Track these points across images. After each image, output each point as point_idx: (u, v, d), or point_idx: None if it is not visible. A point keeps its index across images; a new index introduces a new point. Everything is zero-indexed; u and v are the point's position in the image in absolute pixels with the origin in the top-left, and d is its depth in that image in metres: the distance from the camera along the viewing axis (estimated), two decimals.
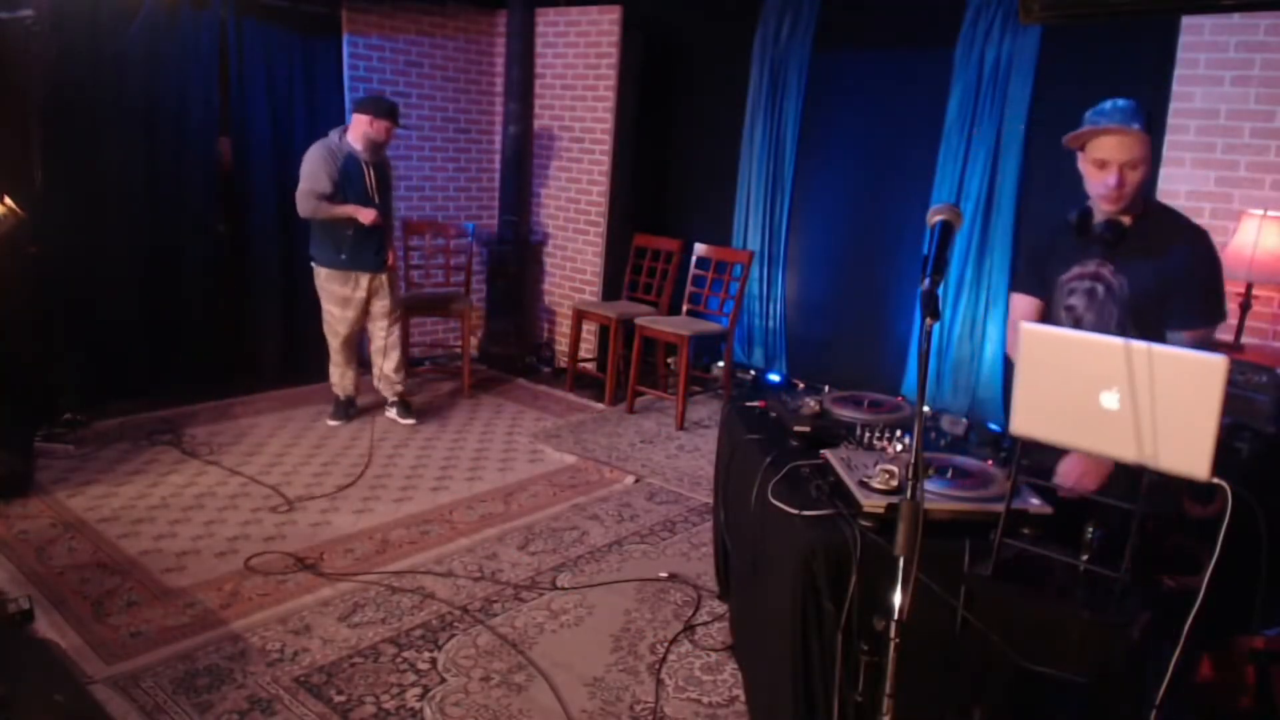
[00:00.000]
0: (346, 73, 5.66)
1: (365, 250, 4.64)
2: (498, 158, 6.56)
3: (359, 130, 4.53)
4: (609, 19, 5.86)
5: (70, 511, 3.69)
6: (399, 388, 5.01)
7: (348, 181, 4.52)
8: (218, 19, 5.05)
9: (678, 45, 6.12)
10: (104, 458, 4.27)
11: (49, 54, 4.35)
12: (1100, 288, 2.35)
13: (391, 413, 5.04)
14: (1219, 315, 2.32)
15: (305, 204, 4.50)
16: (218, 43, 5.08)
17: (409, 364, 5.11)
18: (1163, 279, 2.25)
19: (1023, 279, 2.58)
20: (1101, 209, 2.31)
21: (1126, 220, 2.31)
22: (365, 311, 4.81)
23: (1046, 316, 2.48)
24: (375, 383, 5.05)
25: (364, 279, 4.70)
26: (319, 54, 5.55)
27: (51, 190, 4.41)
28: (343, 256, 4.60)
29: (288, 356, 5.68)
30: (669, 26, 6.09)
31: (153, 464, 4.23)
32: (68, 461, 4.18)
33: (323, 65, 5.58)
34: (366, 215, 4.50)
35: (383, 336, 4.87)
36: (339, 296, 4.70)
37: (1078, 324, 2.37)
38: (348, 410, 4.99)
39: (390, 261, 4.78)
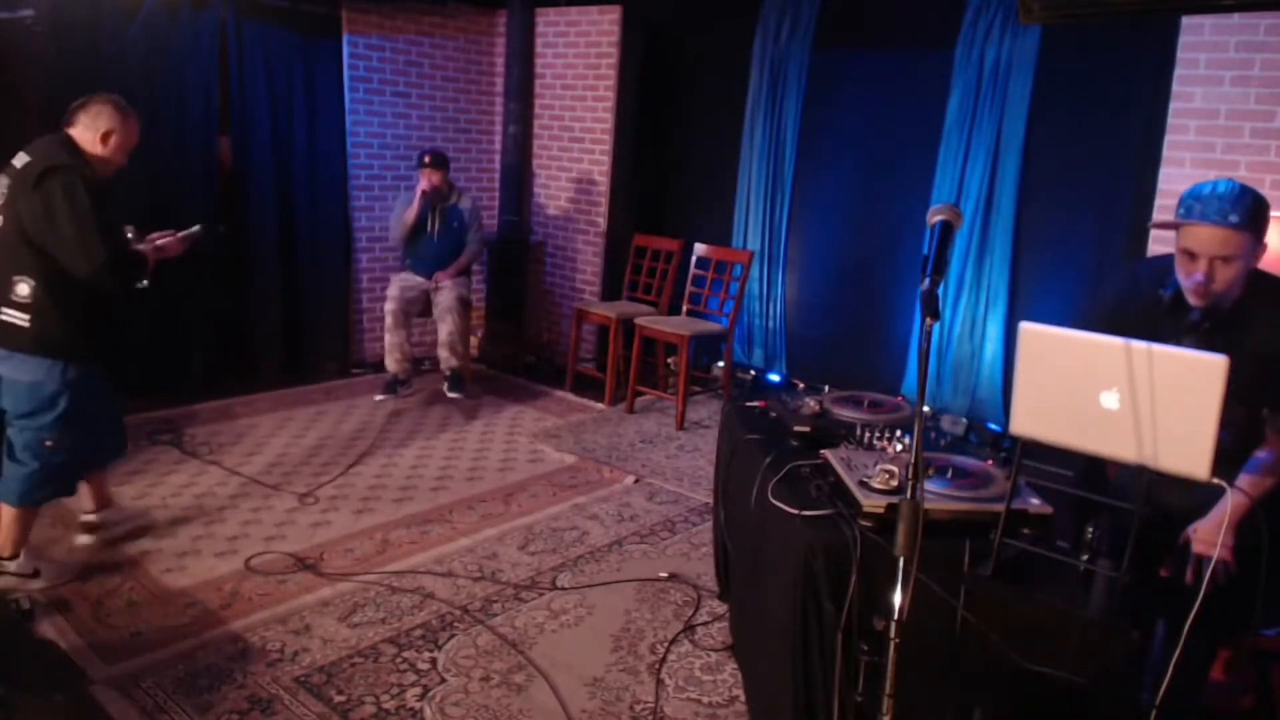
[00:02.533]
0: (346, 73, 5.66)
1: (420, 265, 5.37)
2: (498, 158, 6.56)
3: None
4: (609, 19, 5.86)
5: (71, 512, 3.69)
6: (454, 361, 5.28)
7: (421, 218, 5.34)
8: (218, 19, 5.05)
9: (678, 45, 6.12)
10: None
11: (49, 54, 4.35)
12: None
13: (444, 385, 5.36)
14: None
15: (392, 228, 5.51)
16: (218, 43, 5.08)
17: (464, 348, 5.43)
18: (1259, 360, 1.97)
19: (1092, 328, 2.26)
20: (1190, 300, 2.05)
21: (1225, 305, 2.04)
22: (419, 296, 5.35)
23: None
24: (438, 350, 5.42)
25: (418, 279, 5.37)
26: (319, 54, 5.55)
27: None
28: (407, 260, 5.49)
29: (288, 356, 5.69)
30: (669, 26, 6.09)
31: (153, 464, 4.22)
32: None
33: (323, 65, 5.58)
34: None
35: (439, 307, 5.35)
36: (399, 273, 5.47)
37: None
38: (393, 387, 5.30)
39: (434, 279, 5.31)
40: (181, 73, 4.94)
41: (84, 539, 3.42)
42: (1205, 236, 1.95)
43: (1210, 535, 1.95)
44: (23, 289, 2.87)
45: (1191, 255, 1.99)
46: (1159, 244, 3.89)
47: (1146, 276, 2.19)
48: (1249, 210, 1.94)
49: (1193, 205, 1.99)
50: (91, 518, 3.45)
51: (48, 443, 2.99)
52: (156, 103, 4.88)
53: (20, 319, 2.89)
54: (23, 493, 3.02)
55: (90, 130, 2.95)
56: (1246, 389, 1.86)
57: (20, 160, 2.90)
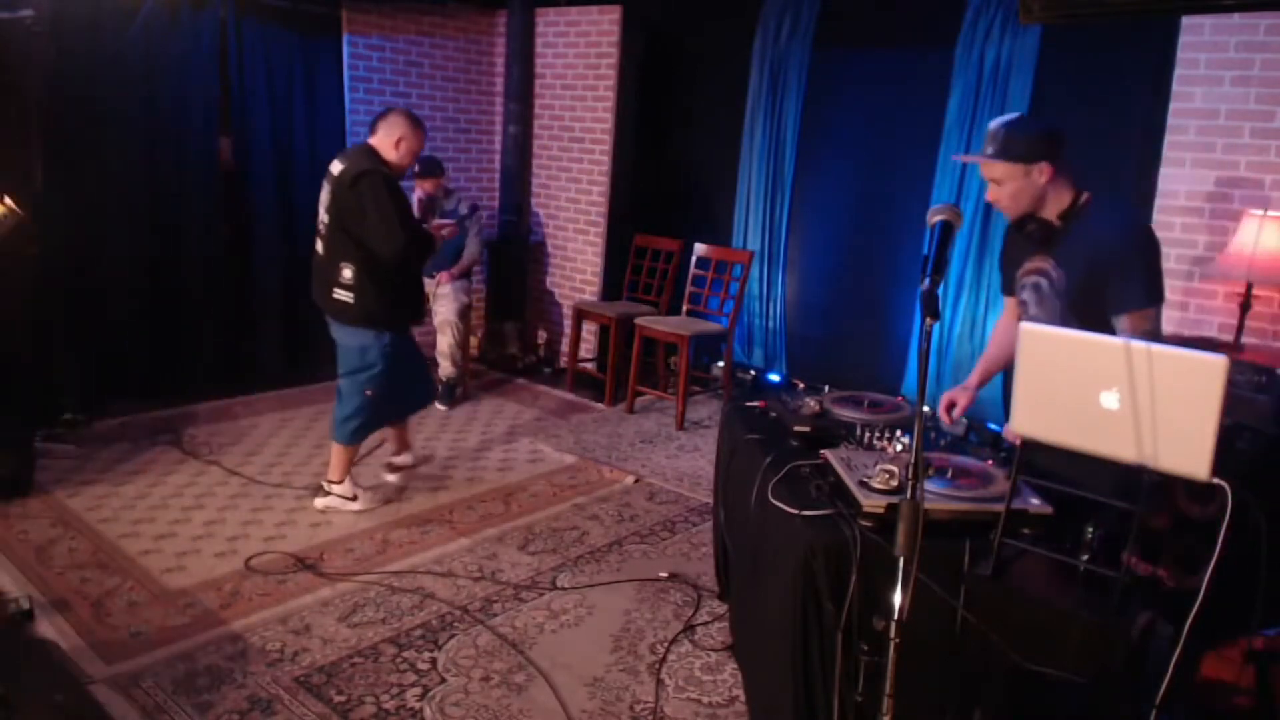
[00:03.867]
0: (346, 73, 5.66)
1: (431, 265, 5.34)
2: (498, 158, 6.57)
3: None
4: (609, 19, 5.86)
5: (70, 511, 3.69)
6: (451, 370, 5.40)
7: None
8: (218, 19, 5.05)
9: (678, 45, 6.12)
10: (104, 458, 4.27)
11: (49, 54, 4.35)
12: (1044, 282, 2.39)
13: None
14: (1154, 296, 2.25)
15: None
16: (218, 43, 5.08)
17: (462, 357, 5.48)
18: (1094, 266, 2.26)
19: (1003, 281, 2.66)
20: None
21: (1054, 219, 2.35)
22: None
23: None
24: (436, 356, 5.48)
25: (429, 283, 5.32)
26: (319, 54, 5.56)
27: (51, 190, 4.40)
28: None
29: (288, 356, 5.68)
30: (669, 26, 6.09)
31: (153, 464, 4.23)
32: (68, 461, 4.18)
33: (323, 65, 5.58)
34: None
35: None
36: None
37: (1029, 319, 2.41)
38: (448, 395, 5.42)
39: (437, 279, 5.38)
40: (181, 73, 4.94)
41: (390, 478, 4.13)
42: (981, 166, 2.36)
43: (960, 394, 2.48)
44: (347, 273, 3.54)
45: None
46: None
47: None
48: (1000, 143, 2.28)
49: None
50: (403, 459, 4.20)
51: (368, 391, 3.71)
52: (156, 103, 4.89)
53: (347, 297, 3.56)
54: (351, 431, 3.75)
55: (387, 138, 3.59)
56: (1086, 299, 2.27)
57: (336, 168, 3.58)
